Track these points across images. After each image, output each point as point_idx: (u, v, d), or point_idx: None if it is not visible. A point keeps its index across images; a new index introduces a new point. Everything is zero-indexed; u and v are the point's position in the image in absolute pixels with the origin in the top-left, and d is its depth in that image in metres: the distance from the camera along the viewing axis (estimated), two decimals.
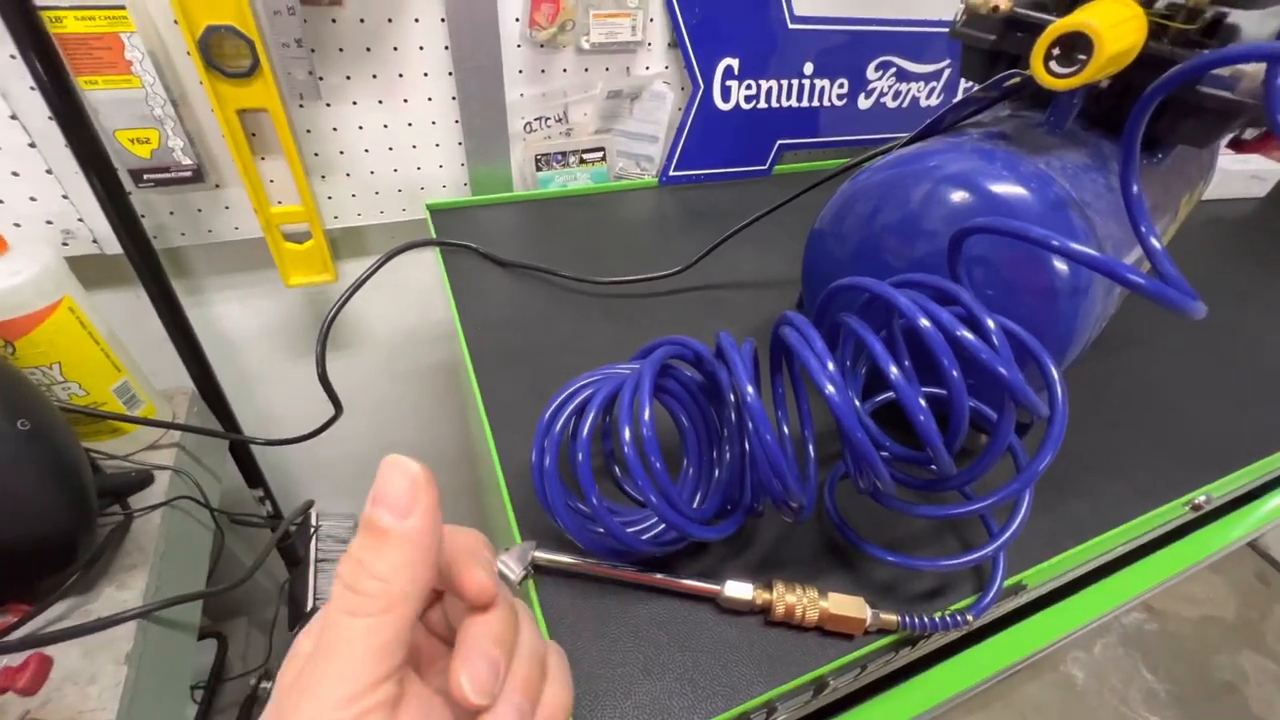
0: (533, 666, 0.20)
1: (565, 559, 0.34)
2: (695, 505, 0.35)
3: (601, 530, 0.31)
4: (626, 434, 0.29)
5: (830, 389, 0.27)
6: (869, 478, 0.30)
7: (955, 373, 0.27)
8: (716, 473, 0.35)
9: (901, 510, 0.33)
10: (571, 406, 0.33)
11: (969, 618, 0.33)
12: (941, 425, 0.31)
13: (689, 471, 0.36)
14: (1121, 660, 1.35)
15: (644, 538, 0.32)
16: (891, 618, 0.33)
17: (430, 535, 0.18)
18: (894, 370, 0.27)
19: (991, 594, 0.34)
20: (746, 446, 0.32)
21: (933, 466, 0.31)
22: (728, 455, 0.34)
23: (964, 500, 0.32)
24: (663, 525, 0.32)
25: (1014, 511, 0.34)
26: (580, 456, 0.30)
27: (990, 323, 0.28)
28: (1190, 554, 0.58)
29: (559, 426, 0.33)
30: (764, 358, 0.36)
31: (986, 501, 0.31)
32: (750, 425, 0.28)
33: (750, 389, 0.28)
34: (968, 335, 0.26)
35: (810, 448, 0.35)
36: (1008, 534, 0.33)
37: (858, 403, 0.34)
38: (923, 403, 0.33)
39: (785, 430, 0.35)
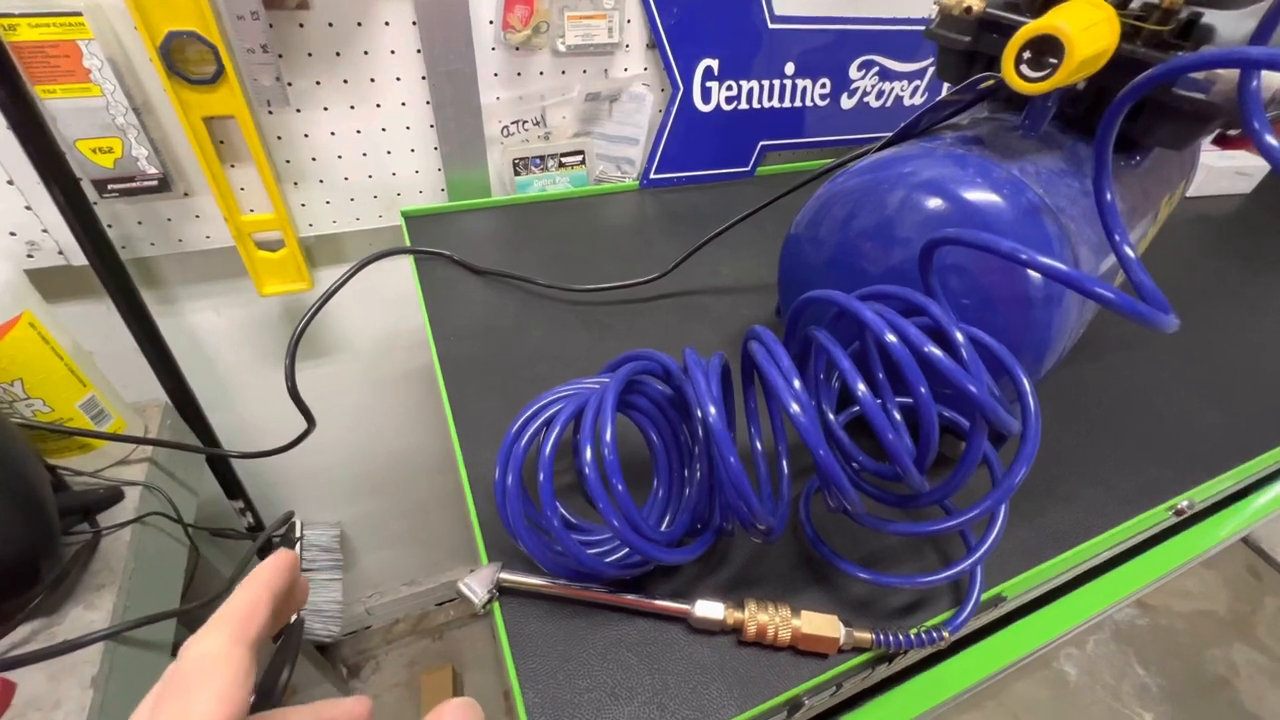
0: None
1: (533, 580, 0.33)
2: (664, 526, 0.34)
3: (564, 552, 0.31)
4: (588, 454, 0.28)
5: (795, 408, 0.26)
6: (838, 497, 0.29)
7: (923, 389, 0.26)
8: (687, 491, 0.34)
9: (875, 527, 0.32)
10: (537, 424, 0.33)
11: (945, 634, 0.33)
12: (916, 434, 0.30)
13: (659, 491, 0.35)
14: (1114, 656, 1.36)
15: (609, 560, 0.31)
16: (866, 636, 0.32)
17: None
18: (861, 388, 0.27)
19: (968, 609, 0.34)
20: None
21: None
22: (698, 473, 0.33)
23: (939, 516, 0.31)
24: (628, 548, 0.32)
25: (990, 525, 0.33)
26: (542, 477, 0.29)
27: (959, 335, 0.27)
28: (1178, 555, 0.57)
29: (524, 444, 0.32)
30: (738, 368, 0.35)
31: (961, 518, 0.30)
32: (714, 449, 0.27)
33: (713, 410, 0.27)
34: (935, 351, 0.26)
35: (784, 463, 0.34)
36: (983, 549, 0.32)
37: (831, 416, 0.34)
38: (897, 415, 0.33)
39: (758, 445, 0.35)
